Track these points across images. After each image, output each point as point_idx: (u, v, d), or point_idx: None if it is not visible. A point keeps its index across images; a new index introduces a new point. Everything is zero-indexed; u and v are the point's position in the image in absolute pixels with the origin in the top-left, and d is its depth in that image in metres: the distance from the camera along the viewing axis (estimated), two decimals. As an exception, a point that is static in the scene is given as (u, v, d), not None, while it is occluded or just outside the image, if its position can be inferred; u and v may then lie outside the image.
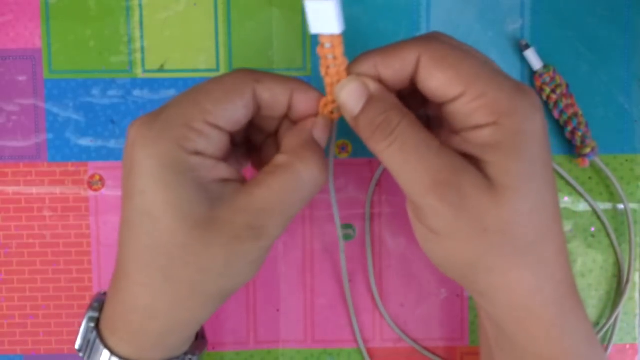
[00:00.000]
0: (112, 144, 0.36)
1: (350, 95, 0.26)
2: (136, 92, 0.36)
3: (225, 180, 0.26)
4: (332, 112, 0.28)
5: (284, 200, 0.25)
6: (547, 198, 0.25)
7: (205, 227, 0.25)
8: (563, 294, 0.26)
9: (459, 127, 0.25)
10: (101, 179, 0.36)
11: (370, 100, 0.26)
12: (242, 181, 0.27)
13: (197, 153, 0.25)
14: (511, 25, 0.36)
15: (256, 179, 0.26)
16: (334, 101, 0.27)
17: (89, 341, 0.28)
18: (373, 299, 0.36)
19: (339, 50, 0.26)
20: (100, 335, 0.27)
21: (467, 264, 0.25)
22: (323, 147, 0.27)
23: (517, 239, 0.24)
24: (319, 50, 0.26)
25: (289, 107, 0.27)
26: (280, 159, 0.26)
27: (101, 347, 0.27)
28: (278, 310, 0.37)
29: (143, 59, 0.36)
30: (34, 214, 0.36)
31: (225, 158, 0.27)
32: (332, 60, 0.26)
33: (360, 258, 0.37)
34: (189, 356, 0.29)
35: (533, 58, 0.35)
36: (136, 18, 0.36)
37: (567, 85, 0.35)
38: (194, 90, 0.26)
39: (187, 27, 0.36)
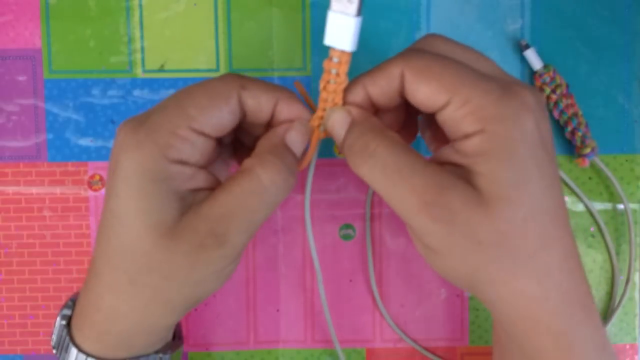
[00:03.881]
0: (112, 144, 0.36)
1: (335, 124, 0.27)
2: (136, 92, 0.36)
3: (199, 189, 0.26)
4: (319, 126, 0.28)
5: (244, 205, 0.25)
6: (546, 202, 0.24)
7: (171, 235, 0.25)
8: (572, 303, 0.25)
9: (451, 136, 0.25)
10: (101, 179, 0.36)
11: (351, 125, 0.26)
12: (215, 188, 0.27)
13: (180, 161, 0.26)
14: (511, 25, 0.36)
15: (222, 185, 0.26)
16: (322, 117, 0.27)
17: (61, 338, 0.28)
18: (373, 299, 0.36)
19: (344, 69, 0.26)
20: (70, 333, 0.28)
21: (469, 277, 0.25)
22: (298, 152, 0.27)
23: (515, 249, 0.24)
24: (325, 62, 0.26)
25: (272, 115, 0.27)
26: (245, 163, 0.26)
27: (70, 344, 0.27)
28: (278, 310, 0.37)
29: (143, 59, 0.36)
30: (34, 214, 0.36)
31: (210, 162, 0.28)
32: (335, 76, 0.26)
33: (360, 258, 0.37)
34: (160, 355, 0.29)
35: (533, 58, 0.35)
36: (136, 18, 0.36)
37: (567, 85, 0.35)
38: (180, 94, 0.26)
39: (187, 27, 0.36)
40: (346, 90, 0.27)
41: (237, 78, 0.27)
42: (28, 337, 0.36)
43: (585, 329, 0.25)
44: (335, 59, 0.26)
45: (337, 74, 0.26)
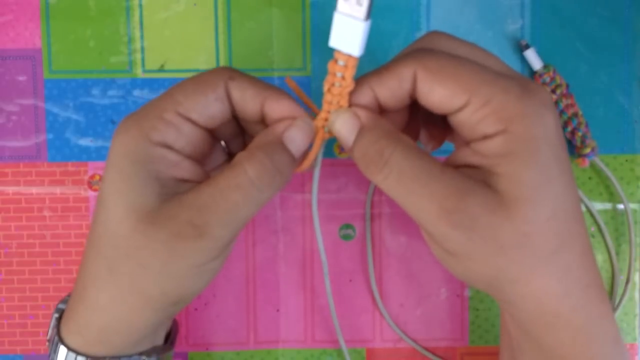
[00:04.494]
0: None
1: (342, 127, 0.26)
2: (136, 92, 0.36)
3: (185, 180, 0.26)
4: (323, 127, 0.27)
5: (227, 198, 0.25)
6: (567, 201, 0.24)
7: (150, 221, 0.25)
8: (591, 298, 0.25)
9: (467, 137, 0.25)
10: (101, 179, 0.36)
11: (361, 131, 0.25)
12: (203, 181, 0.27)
13: (164, 145, 0.26)
14: (511, 25, 0.36)
15: (210, 177, 0.26)
16: (327, 119, 0.27)
17: (53, 332, 0.28)
18: (373, 299, 0.36)
19: (350, 73, 0.25)
20: (59, 326, 0.28)
21: (490, 278, 0.24)
22: (297, 151, 0.26)
23: (538, 249, 0.23)
24: (330, 64, 0.25)
25: (264, 114, 0.27)
26: (236, 157, 0.26)
27: (57, 338, 0.27)
28: (278, 310, 0.37)
29: (143, 59, 0.36)
30: (34, 214, 0.36)
31: (201, 156, 0.27)
32: (340, 79, 0.25)
33: (360, 258, 0.37)
34: (143, 357, 0.28)
35: (533, 58, 0.35)
36: (136, 18, 0.36)
37: (567, 85, 0.35)
38: (173, 86, 0.27)
39: (187, 27, 0.36)
40: (352, 92, 0.26)
41: (227, 70, 0.27)
42: (28, 337, 0.36)
43: (602, 322, 0.25)
44: (340, 62, 0.24)
45: (343, 78, 0.25)
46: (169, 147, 0.26)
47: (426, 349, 0.37)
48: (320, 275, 0.36)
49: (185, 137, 0.26)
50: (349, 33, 0.23)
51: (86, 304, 0.26)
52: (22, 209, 0.36)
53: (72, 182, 0.36)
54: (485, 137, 0.24)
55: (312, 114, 0.28)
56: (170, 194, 0.26)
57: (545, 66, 0.35)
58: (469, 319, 0.37)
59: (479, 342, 0.37)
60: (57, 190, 0.36)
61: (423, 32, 0.36)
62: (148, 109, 0.26)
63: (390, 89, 0.25)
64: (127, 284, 0.25)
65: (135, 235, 0.25)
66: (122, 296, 0.26)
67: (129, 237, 0.25)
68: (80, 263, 0.27)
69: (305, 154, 0.27)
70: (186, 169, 0.26)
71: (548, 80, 0.35)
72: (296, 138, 0.26)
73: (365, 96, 0.26)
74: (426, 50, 0.25)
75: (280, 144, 0.26)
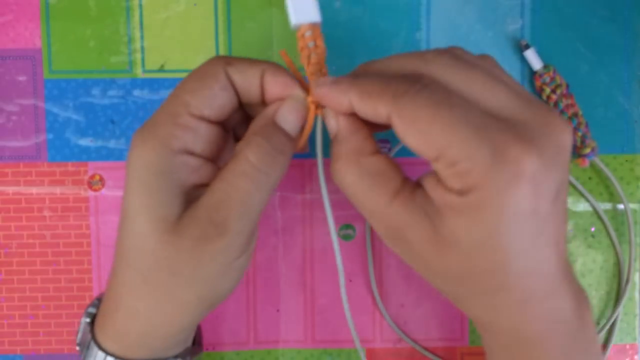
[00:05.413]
0: (112, 144, 0.36)
1: (328, 124, 0.27)
2: (136, 92, 0.36)
3: (204, 185, 0.26)
4: (317, 105, 0.27)
5: (237, 188, 0.25)
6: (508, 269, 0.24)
7: (174, 231, 0.25)
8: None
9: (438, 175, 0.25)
10: (101, 179, 0.36)
11: (334, 138, 0.26)
12: None
13: (185, 151, 0.26)
14: (511, 25, 0.36)
15: (218, 173, 0.26)
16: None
17: (85, 336, 0.28)
18: (373, 299, 0.36)
19: (320, 38, 0.27)
20: (92, 331, 0.28)
21: (447, 294, 0.27)
22: (292, 130, 0.27)
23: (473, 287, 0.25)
24: (299, 41, 0.27)
25: (264, 92, 0.27)
26: (236, 147, 0.26)
27: (92, 342, 0.28)
28: (278, 310, 0.37)
29: (143, 59, 0.36)
30: (34, 214, 0.36)
31: (218, 153, 0.27)
32: (314, 48, 0.27)
33: (360, 258, 0.36)
34: (179, 359, 0.29)
35: (533, 58, 0.35)
36: (136, 18, 0.36)
37: (567, 85, 0.35)
38: (176, 87, 0.27)
39: (187, 27, 0.36)
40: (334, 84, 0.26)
41: (222, 57, 0.27)
42: (28, 337, 0.36)
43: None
44: (308, 33, 0.27)
45: (316, 45, 0.27)
46: (189, 152, 0.26)
47: (426, 349, 0.37)
48: (321, 275, 0.36)
49: (203, 137, 0.26)
50: (304, 5, 0.27)
51: (123, 311, 0.27)
52: (22, 209, 0.36)
53: (72, 182, 0.36)
54: (448, 188, 0.24)
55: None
56: (192, 201, 0.26)
57: (545, 66, 0.35)
58: (469, 319, 0.37)
59: (479, 342, 0.37)
60: (57, 190, 0.36)
61: (423, 32, 0.36)
62: (160, 117, 0.26)
63: (366, 115, 0.25)
64: (163, 293, 0.26)
65: (163, 247, 0.25)
66: (159, 304, 0.26)
67: (157, 249, 0.25)
68: (111, 271, 0.28)
69: (302, 130, 0.28)
70: (205, 174, 0.26)
71: (548, 80, 0.35)
72: (288, 117, 0.27)
73: (345, 100, 0.25)
74: (413, 85, 0.24)
75: (274, 125, 0.26)
